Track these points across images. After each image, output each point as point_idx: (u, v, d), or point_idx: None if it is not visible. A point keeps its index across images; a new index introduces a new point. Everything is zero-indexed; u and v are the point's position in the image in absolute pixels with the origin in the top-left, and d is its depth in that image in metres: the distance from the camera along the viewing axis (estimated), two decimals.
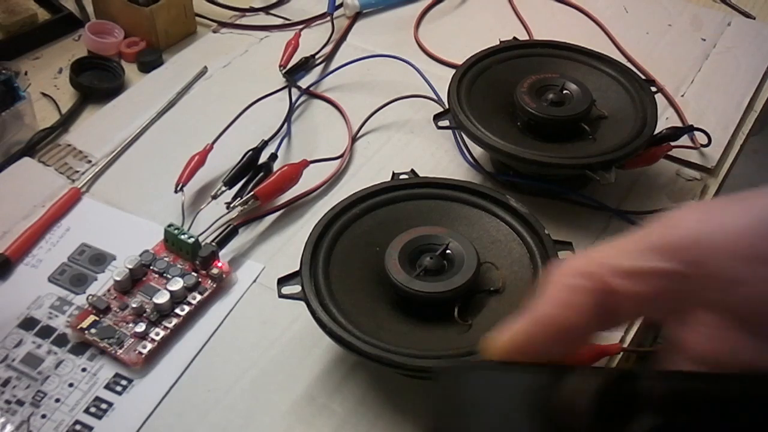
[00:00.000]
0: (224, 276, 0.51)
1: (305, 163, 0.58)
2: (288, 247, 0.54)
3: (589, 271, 0.26)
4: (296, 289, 0.45)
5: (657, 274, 0.25)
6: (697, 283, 0.25)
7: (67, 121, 0.64)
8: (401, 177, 0.53)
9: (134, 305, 0.49)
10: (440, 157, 0.62)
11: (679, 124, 0.64)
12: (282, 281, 0.46)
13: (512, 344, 0.27)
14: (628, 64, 0.68)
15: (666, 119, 0.65)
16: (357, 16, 0.77)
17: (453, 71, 0.61)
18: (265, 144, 0.60)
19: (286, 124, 0.63)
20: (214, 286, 0.51)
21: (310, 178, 0.58)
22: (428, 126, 0.60)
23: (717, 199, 0.25)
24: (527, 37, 0.73)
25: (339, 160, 0.60)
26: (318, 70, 0.70)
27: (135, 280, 0.51)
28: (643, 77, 0.63)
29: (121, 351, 0.47)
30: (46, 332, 0.49)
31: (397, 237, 0.48)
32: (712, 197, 0.25)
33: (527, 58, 0.63)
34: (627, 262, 0.26)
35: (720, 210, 0.25)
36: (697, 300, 0.25)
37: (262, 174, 0.57)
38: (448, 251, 0.47)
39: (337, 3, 0.76)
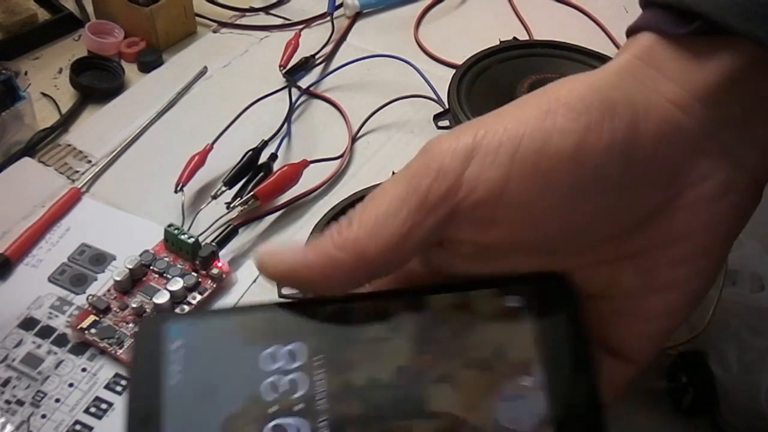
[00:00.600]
0: (224, 276, 0.51)
1: (305, 163, 0.58)
2: None
3: (350, 248, 0.27)
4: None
5: (419, 232, 0.27)
6: (454, 226, 0.27)
7: (67, 121, 0.64)
8: None
9: (134, 305, 0.49)
10: None
11: None
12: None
13: (271, 272, 0.28)
14: None
15: None
16: (357, 16, 0.77)
17: (453, 71, 0.61)
18: (265, 144, 0.60)
19: (286, 124, 0.63)
20: (214, 286, 0.51)
21: (310, 178, 0.58)
22: (428, 126, 0.60)
23: (479, 145, 0.26)
24: (527, 37, 0.73)
25: (339, 160, 0.60)
26: (318, 70, 0.70)
27: (135, 280, 0.51)
28: None
29: (121, 351, 0.47)
30: (46, 332, 0.49)
31: None
32: None
33: (527, 58, 0.63)
34: (390, 231, 0.27)
35: (480, 161, 0.26)
36: (452, 237, 0.27)
37: (262, 174, 0.57)
38: None
39: (337, 3, 0.76)
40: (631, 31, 0.29)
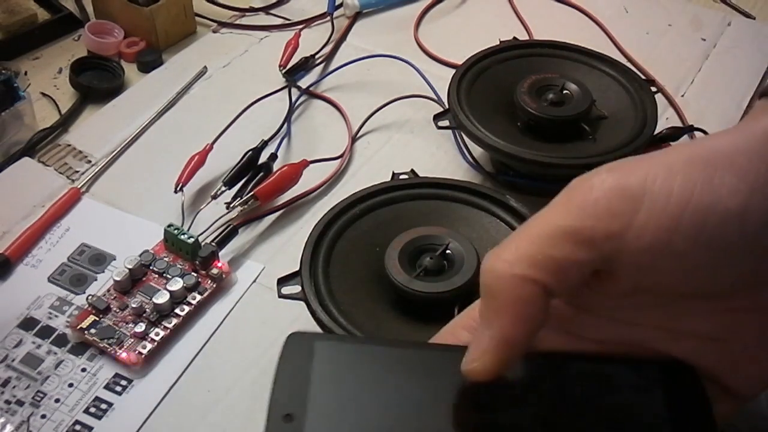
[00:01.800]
0: (224, 276, 0.51)
1: (305, 163, 0.58)
2: (288, 247, 0.54)
3: (531, 273, 0.28)
4: (296, 289, 0.45)
5: (576, 266, 0.28)
6: (614, 265, 0.28)
7: (67, 121, 0.64)
8: (401, 177, 0.53)
9: (134, 305, 0.49)
10: (440, 157, 0.62)
11: (679, 125, 0.64)
12: (282, 281, 0.46)
13: (488, 371, 0.29)
14: (628, 64, 0.68)
15: (666, 119, 0.65)
16: (357, 16, 0.77)
17: (453, 71, 0.61)
18: (265, 144, 0.60)
19: (286, 124, 0.63)
20: (214, 286, 0.51)
21: (310, 178, 0.58)
22: (428, 126, 0.60)
23: (650, 191, 0.27)
24: (527, 37, 0.73)
25: (339, 160, 0.60)
26: (318, 70, 0.70)
27: (135, 280, 0.51)
28: (643, 77, 0.63)
29: (121, 351, 0.47)
30: (45, 332, 0.49)
31: (397, 237, 0.48)
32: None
33: (527, 58, 0.63)
34: (552, 254, 0.28)
35: (650, 207, 0.27)
36: (609, 276, 0.29)
37: (261, 174, 0.57)
38: (448, 251, 0.47)
39: (337, 3, 0.76)
40: (764, 94, 0.30)
